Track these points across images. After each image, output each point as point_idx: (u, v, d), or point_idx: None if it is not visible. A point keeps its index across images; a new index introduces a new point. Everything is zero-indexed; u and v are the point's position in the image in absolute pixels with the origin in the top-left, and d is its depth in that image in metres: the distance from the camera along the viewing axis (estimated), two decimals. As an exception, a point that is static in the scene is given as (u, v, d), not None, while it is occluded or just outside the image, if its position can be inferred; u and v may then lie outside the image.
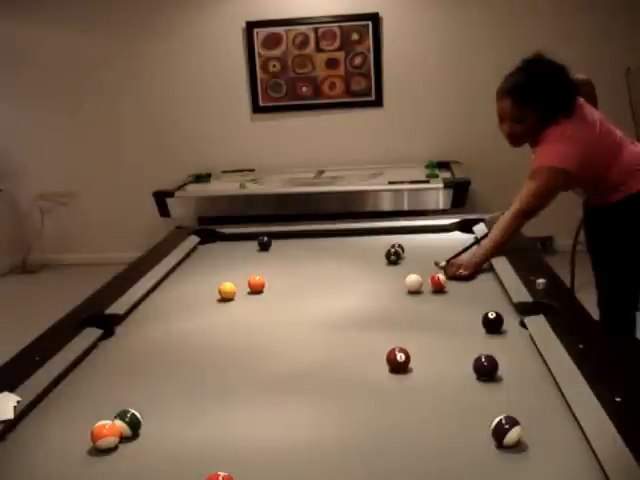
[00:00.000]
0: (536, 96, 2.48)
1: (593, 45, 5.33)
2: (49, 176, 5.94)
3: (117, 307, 2.18)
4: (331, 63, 5.60)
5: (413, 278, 2.27)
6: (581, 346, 1.66)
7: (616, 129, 2.68)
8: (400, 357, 1.67)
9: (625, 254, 2.71)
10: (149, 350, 1.94)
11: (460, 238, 2.92)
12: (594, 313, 2.44)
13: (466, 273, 2.39)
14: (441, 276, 2.29)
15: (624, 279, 2.75)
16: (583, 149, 2.49)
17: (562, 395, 1.48)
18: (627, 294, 2.77)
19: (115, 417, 1.42)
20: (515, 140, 2.59)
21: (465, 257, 2.50)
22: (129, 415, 1.43)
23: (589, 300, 2.63)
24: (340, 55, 5.58)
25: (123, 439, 1.40)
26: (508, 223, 2.51)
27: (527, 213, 2.51)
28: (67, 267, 5.93)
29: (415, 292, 2.26)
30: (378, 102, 5.64)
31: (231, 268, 2.64)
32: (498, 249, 2.49)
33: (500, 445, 1.31)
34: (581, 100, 2.59)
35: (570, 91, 2.53)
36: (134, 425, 1.42)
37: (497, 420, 1.32)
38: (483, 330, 1.90)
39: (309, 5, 5.54)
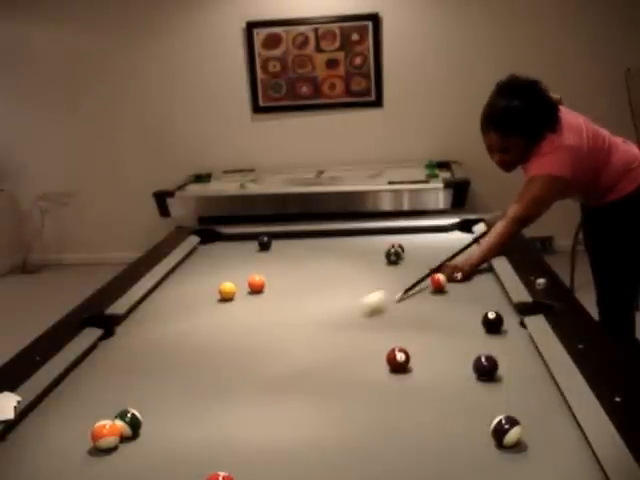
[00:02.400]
0: (519, 122, 2.46)
1: (593, 45, 5.34)
2: (49, 176, 5.94)
3: (117, 307, 2.18)
4: (331, 63, 5.60)
5: (374, 297, 2.07)
6: (581, 346, 1.66)
7: (603, 129, 2.67)
8: (400, 357, 1.67)
9: (622, 254, 2.71)
10: (149, 350, 1.94)
11: (460, 238, 2.92)
12: (594, 313, 2.45)
13: (461, 276, 2.39)
14: (441, 276, 2.29)
15: (621, 279, 2.75)
16: (574, 156, 2.49)
17: (562, 395, 1.48)
18: (625, 294, 2.77)
19: (115, 417, 1.42)
20: (507, 167, 2.60)
21: (460, 259, 2.50)
22: (129, 415, 1.43)
23: (589, 300, 2.63)
24: (340, 55, 5.58)
25: (123, 439, 1.41)
26: (503, 229, 2.50)
27: (522, 221, 2.51)
28: (67, 267, 5.94)
29: (377, 312, 2.10)
30: (378, 102, 5.64)
31: (231, 268, 2.64)
32: (493, 254, 2.48)
33: (500, 445, 1.31)
34: (562, 109, 2.58)
35: (550, 106, 2.52)
36: (134, 425, 1.42)
37: (497, 420, 1.32)
38: (483, 330, 1.90)
39: (309, 5, 5.54)
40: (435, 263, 2.46)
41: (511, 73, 2.54)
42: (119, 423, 1.41)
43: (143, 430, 1.45)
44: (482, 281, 2.38)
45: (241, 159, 5.69)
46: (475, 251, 2.52)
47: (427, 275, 2.35)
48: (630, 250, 2.69)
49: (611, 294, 2.79)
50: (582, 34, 5.33)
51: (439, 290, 2.27)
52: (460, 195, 4.44)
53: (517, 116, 2.46)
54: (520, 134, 2.48)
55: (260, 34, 5.58)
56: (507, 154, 2.53)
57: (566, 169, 2.47)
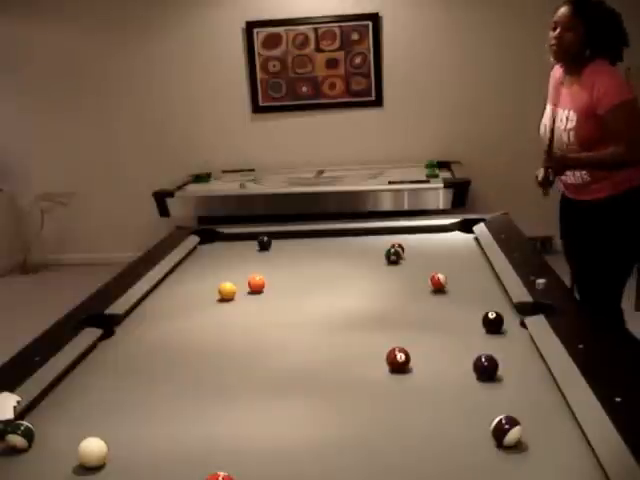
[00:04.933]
0: (594, 15, 2.63)
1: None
2: (49, 176, 5.94)
3: (117, 307, 2.18)
4: (331, 63, 5.60)
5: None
6: (581, 346, 1.66)
7: None
8: (400, 357, 1.67)
9: (618, 251, 2.70)
10: (149, 350, 1.94)
11: (460, 238, 2.93)
12: (594, 313, 2.44)
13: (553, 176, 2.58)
14: (441, 276, 2.29)
15: (614, 276, 2.74)
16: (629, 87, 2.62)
17: (562, 395, 1.48)
18: (613, 290, 2.76)
19: (7, 432, 1.40)
20: (561, 48, 2.68)
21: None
22: (22, 428, 1.41)
23: (589, 300, 2.63)
24: (340, 55, 5.58)
25: (20, 450, 1.40)
26: (611, 155, 2.57)
27: (634, 161, 2.58)
28: (67, 267, 5.93)
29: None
30: (378, 102, 5.64)
31: (231, 268, 2.64)
32: (591, 166, 2.61)
33: (500, 445, 1.31)
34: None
35: (623, 39, 2.66)
36: (29, 436, 1.41)
37: (497, 420, 1.32)
38: (483, 330, 1.90)
39: (309, 5, 5.54)
40: (436, 262, 2.46)
41: None
42: (12, 437, 1.39)
43: (143, 430, 1.45)
44: (482, 281, 2.38)
45: (241, 159, 5.69)
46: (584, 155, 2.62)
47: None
48: (624, 246, 2.69)
49: (601, 290, 2.77)
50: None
51: (439, 290, 2.27)
52: (460, 195, 4.44)
53: (597, 11, 2.64)
54: (590, 24, 2.61)
55: (260, 34, 5.58)
56: (568, 32, 2.64)
57: (630, 89, 2.60)
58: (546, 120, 2.82)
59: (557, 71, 2.85)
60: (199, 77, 5.71)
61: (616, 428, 1.26)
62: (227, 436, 1.43)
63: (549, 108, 2.83)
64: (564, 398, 1.47)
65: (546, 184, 2.66)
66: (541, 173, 2.67)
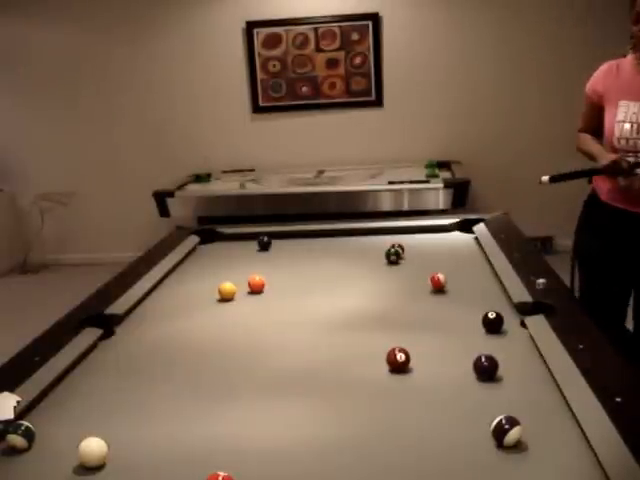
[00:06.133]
0: None
1: (593, 45, 5.33)
2: (49, 176, 5.94)
3: (117, 307, 2.18)
4: (331, 63, 5.60)
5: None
6: (581, 346, 1.66)
7: None
8: (400, 357, 1.67)
9: None
10: (149, 350, 1.94)
11: (460, 238, 2.93)
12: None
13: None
14: (441, 276, 2.28)
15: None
16: None
17: (562, 395, 1.48)
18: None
19: (8, 432, 1.40)
20: None
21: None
22: (23, 428, 1.41)
23: (589, 300, 2.62)
24: (340, 55, 5.58)
25: (20, 451, 1.39)
26: None
27: None
28: (67, 267, 5.94)
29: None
30: (378, 102, 5.65)
31: (231, 268, 2.64)
32: None
33: (500, 445, 1.31)
34: None
35: None
36: (29, 437, 1.40)
37: (497, 420, 1.32)
38: (483, 330, 1.90)
39: (309, 5, 5.54)
40: (436, 262, 2.46)
41: None
42: (12, 437, 1.39)
43: (143, 430, 1.45)
44: (482, 281, 2.38)
45: (241, 159, 5.69)
46: None
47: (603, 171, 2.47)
48: None
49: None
50: (581, 35, 5.32)
51: (439, 290, 2.27)
52: (460, 195, 4.45)
53: None
54: None
55: (260, 34, 5.58)
56: None
57: None
58: (630, 117, 2.57)
59: (613, 66, 2.78)
60: (199, 77, 5.71)
61: (616, 428, 1.26)
62: (227, 436, 1.43)
63: (628, 104, 2.61)
64: (564, 398, 1.46)
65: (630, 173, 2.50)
66: (624, 163, 2.48)
